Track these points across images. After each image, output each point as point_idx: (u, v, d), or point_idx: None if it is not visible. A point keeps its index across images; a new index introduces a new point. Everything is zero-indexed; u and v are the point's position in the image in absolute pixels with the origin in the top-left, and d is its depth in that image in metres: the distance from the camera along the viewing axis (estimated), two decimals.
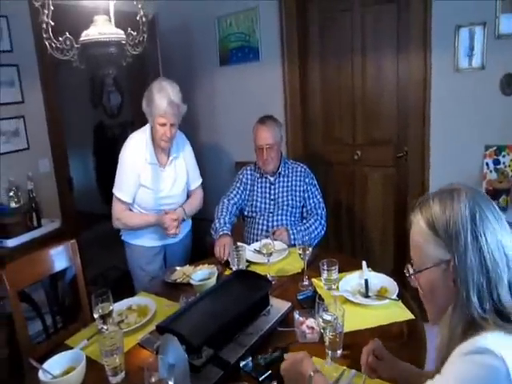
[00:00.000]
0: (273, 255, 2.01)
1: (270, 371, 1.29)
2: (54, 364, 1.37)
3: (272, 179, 2.55)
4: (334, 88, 3.24)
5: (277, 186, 2.54)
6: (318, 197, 2.54)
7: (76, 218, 3.43)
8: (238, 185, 2.58)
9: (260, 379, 1.28)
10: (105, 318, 1.55)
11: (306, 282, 1.88)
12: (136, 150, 2.26)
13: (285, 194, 2.52)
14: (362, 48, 3.04)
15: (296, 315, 1.50)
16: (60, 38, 1.55)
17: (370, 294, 1.71)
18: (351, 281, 1.81)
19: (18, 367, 1.79)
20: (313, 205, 2.51)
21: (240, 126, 3.39)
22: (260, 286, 1.64)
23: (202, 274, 1.92)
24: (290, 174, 2.55)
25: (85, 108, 5.78)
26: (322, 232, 2.46)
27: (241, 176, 2.61)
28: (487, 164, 2.59)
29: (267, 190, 2.54)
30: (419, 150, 2.83)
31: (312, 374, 1.11)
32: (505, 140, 2.53)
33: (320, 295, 1.68)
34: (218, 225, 2.36)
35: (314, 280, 1.87)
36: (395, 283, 1.74)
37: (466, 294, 0.87)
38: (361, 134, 3.20)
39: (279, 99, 3.38)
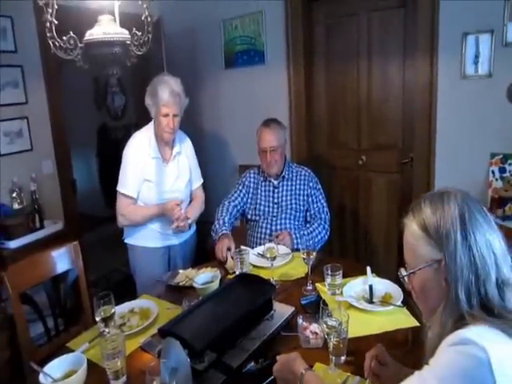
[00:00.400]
0: (276, 259, 1.99)
1: (272, 376, 1.27)
2: (55, 367, 1.35)
3: (276, 183, 2.53)
4: (340, 92, 3.23)
5: (280, 189, 2.53)
6: (322, 201, 2.52)
7: (79, 220, 3.43)
8: (241, 187, 2.58)
9: None
10: (107, 320, 1.53)
11: (309, 287, 1.86)
12: (139, 146, 2.31)
13: (288, 197, 2.51)
14: (368, 52, 3.03)
15: (300, 320, 1.49)
16: (64, 38, 1.54)
17: (374, 299, 1.69)
18: (355, 286, 1.79)
19: (19, 370, 1.78)
20: (316, 209, 2.50)
21: (244, 130, 3.38)
22: (264, 291, 1.63)
23: (204, 278, 1.91)
24: (294, 178, 2.54)
25: (88, 110, 5.79)
26: (326, 236, 2.44)
27: (244, 179, 2.61)
28: (493, 172, 2.56)
29: (271, 194, 2.53)
30: (424, 156, 2.81)
31: (303, 371, 1.13)
32: (511, 148, 2.51)
33: (324, 300, 1.65)
34: (217, 226, 2.37)
35: (317, 285, 1.86)
36: (400, 289, 1.72)
37: (455, 291, 0.90)
38: (366, 139, 3.19)
39: (284, 103, 3.37)
